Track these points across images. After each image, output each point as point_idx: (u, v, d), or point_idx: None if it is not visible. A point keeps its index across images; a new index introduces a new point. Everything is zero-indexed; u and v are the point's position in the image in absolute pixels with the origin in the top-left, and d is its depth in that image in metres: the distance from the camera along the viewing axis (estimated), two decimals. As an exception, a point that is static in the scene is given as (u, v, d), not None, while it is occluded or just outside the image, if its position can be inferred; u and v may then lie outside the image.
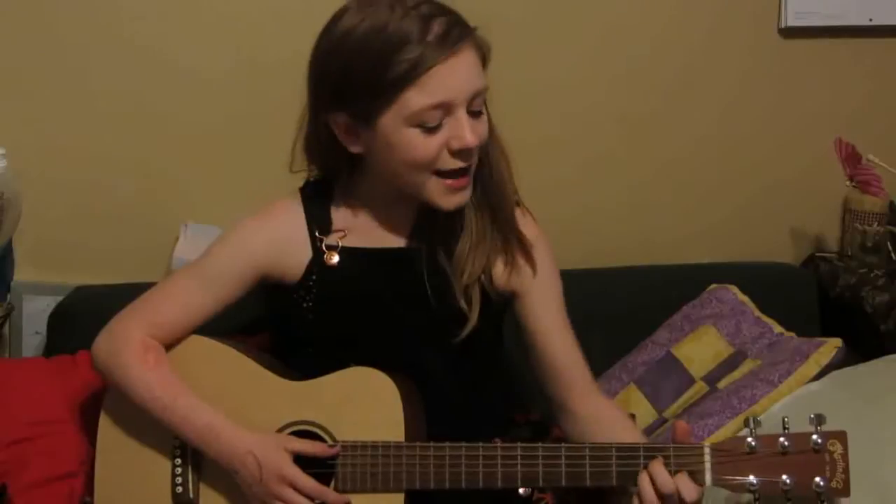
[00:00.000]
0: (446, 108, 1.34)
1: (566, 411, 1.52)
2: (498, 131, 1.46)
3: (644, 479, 1.29)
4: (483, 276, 1.48)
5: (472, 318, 1.46)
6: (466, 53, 1.34)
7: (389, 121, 1.34)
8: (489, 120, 1.43)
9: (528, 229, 1.53)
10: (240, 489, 1.42)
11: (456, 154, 1.37)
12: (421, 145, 1.35)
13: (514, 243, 1.50)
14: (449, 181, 1.39)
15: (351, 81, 1.35)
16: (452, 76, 1.33)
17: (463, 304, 1.46)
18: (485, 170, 1.45)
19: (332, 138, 1.42)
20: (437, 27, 1.32)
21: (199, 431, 1.42)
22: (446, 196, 1.40)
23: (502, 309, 1.54)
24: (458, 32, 1.33)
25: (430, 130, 1.35)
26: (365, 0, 1.36)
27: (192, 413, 1.42)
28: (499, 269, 1.50)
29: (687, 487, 1.28)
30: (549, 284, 1.53)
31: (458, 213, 1.45)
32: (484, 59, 1.39)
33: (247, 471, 1.38)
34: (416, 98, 1.32)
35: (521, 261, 1.51)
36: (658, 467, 1.29)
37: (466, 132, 1.35)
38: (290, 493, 1.36)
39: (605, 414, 1.51)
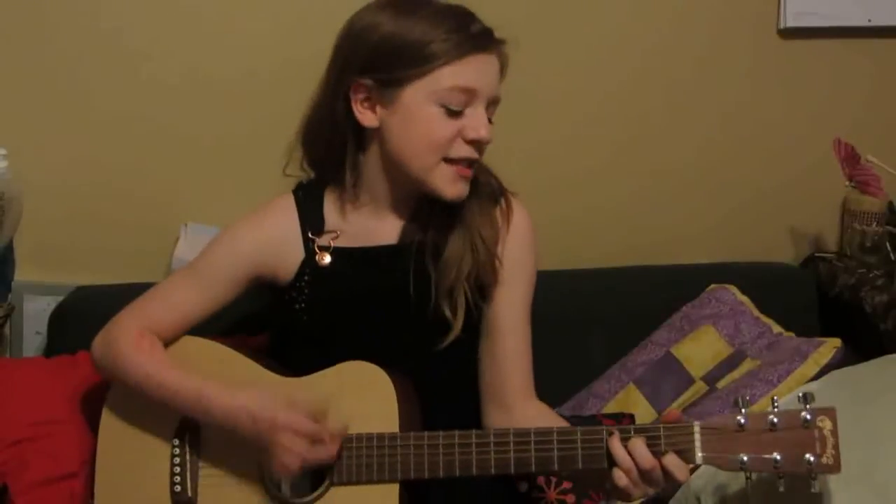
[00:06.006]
0: (471, 96, 1.40)
1: (501, 407, 1.52)
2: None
3: (618, 448, 1.30)
4: (468, 285, 1.48)
5: (457, 327, 1.47)
6: (496, 58, 1.44)
7: (417, 93, 1.39)
8: None
9: (519, 224, 1.53)
10: (237, 485, 1.43)
11: (469, 143, 1.41)
12: (440, 125, 1.40)
13: (492, 243, 1.50)
14: (458, 167, 1.42)
15: (390, 49, 1.40)
16: (485, 70, 1.42)
17: (447, 309, 1.47)
18: (478, 181, 1.48)
19: (346, 113, 1.43)
20: (477, 24, 1.42)
21: (191, 401, 1.42)
22: (452, 184, 1.43)
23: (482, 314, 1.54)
24: (492, 36, 1.43)
25: (452, 114, 1.40)
26: None
27: (182, 383, 1.43)
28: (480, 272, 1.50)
29: (675, 464, 1.29)
30: (517, 283, 1.53)
31: (449, 216, 1.47)
32: (502, 72, 1.46)
33: (243, 427, 1.38)
34: (450, 77, 1.38)
35: (499, 255, 1.51)
36: (637, 442, 1.30)
37: (483, 125, 1.41)
38: (287, 438, 1.35)
39: (539, 416, 1.49)
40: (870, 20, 2.22)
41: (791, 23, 2.19)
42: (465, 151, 1.42)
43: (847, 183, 2.15)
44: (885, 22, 2.23)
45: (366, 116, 1.43)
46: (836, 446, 1.26)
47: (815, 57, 2.24)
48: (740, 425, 1.28)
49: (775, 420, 1.27)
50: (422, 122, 1.40)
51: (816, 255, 2.22)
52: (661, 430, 1.31)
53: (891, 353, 1.82)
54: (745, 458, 1.27)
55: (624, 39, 2.17)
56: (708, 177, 2.25)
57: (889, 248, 2.15)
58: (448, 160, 1.42)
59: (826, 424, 1.27)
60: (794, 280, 2.17)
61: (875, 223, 2.16)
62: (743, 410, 1.29)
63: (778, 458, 1.26)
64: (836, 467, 1.26)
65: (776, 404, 1.28)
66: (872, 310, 1.99)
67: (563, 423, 1.49)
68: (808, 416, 1.26)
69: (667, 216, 2.25)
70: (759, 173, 2.26)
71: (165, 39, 1.99)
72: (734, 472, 1.31)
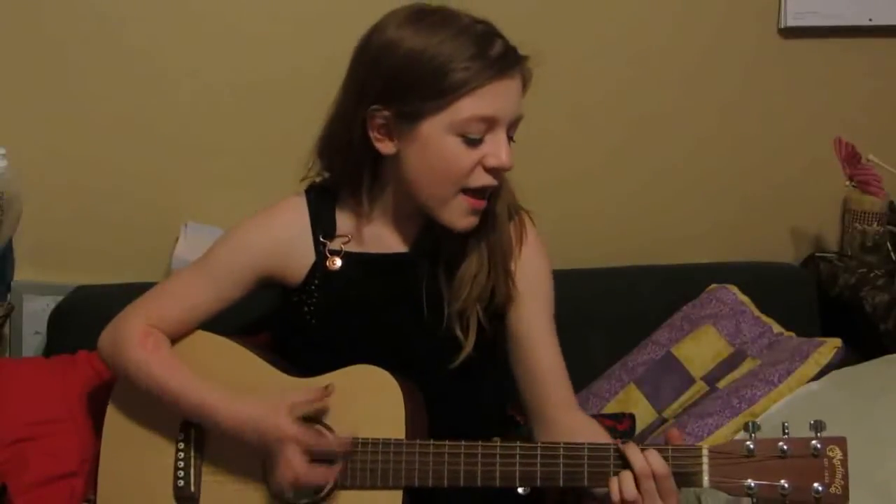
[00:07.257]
0: (491, 124, 1.36)
1: (543, 421, 1.51)
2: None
3: (634, 454, 1.29)
4: (479, 304, 1.46)
5: (468, 346, 1.46)
6: (517, 78, 1.38)
7: (435, 125, 1.35)
8: None
9: (529, 238, 1.52)
10: (241, 482, 1.43)
11: (489, 171, 1.38)
12: (459, 156, 1.36)
13: (508, 263, 1.49)
14: (473, 200, 1.39)
15: (408, 78, 1.35)
16: (505, 95, 1.36)
17: (458, 328, 1.45)
18: (494, 200, 1.46)
19: (362, 137, 1.40)
20: (498, 46, 1.36)
21: (194, 408, 1.42)
22: (464, 217, 1.40)
23: (496, 333, 1.53)
24: (514, 57, 1.38)
25: (471, 143, 1.36)
26: (423, 8, 1.39)
27: (186, 390, 1.43)
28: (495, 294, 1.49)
29: (657, 462, 1.28)
30: (540, 296, 1.52)
31: (462, 235, 1.45)
32: (524, 88, 1.41)
33: (247, 436, 1.38)
34: (469, 107, 1.34)
35: (513, 273, 1.49)
36: (650, 451, 1.29)
37: (504, 152, 1.37)
38: (289, 453, 1.35)
39: (582, 427, 1.47)
40: (870, 20, 2.22)
41: (791, 22, 2.20)
42: (485, 180, 1.38)
43: (848, 182, 2.16)
44: (885, 21, 2.23)
45: (383, 144, 1.40)
46: (845, 476, 1.25)
47: (815, 57, 2.24)
48: (749, 451, 1.27)
49: (785, 447, 1.26)
50: (440, 153, 1.36)
51: (817, 254, 2.22)
52: (670, 450, 1.29)
53: (891, 353, 1.83)
54: (753, 485, 1.26)
55: (624, 39, 2.17)
56: (708, 176, 2.25)
57: (890, 247, 2.16)
58: (466, 190, 1.39)
59: (836, 454, 1.25)
60: (794, 280, 2.17)
61: (876, 223, 2.16)
62: (753, 436, 1.27)
63: (785, 485, 1.25)
64: (844, 498, 1.25)
65: (786, 430, 1.26)
66: (873, 310, 1.99)
67: (606, 436, 1.46)
68: (819, 445, 1.25)
69: (667, 216, 2.25)
70: (759, 173, 2.26)
71: (166, 40, 1.99)
72: (740, 497, 1.29)
